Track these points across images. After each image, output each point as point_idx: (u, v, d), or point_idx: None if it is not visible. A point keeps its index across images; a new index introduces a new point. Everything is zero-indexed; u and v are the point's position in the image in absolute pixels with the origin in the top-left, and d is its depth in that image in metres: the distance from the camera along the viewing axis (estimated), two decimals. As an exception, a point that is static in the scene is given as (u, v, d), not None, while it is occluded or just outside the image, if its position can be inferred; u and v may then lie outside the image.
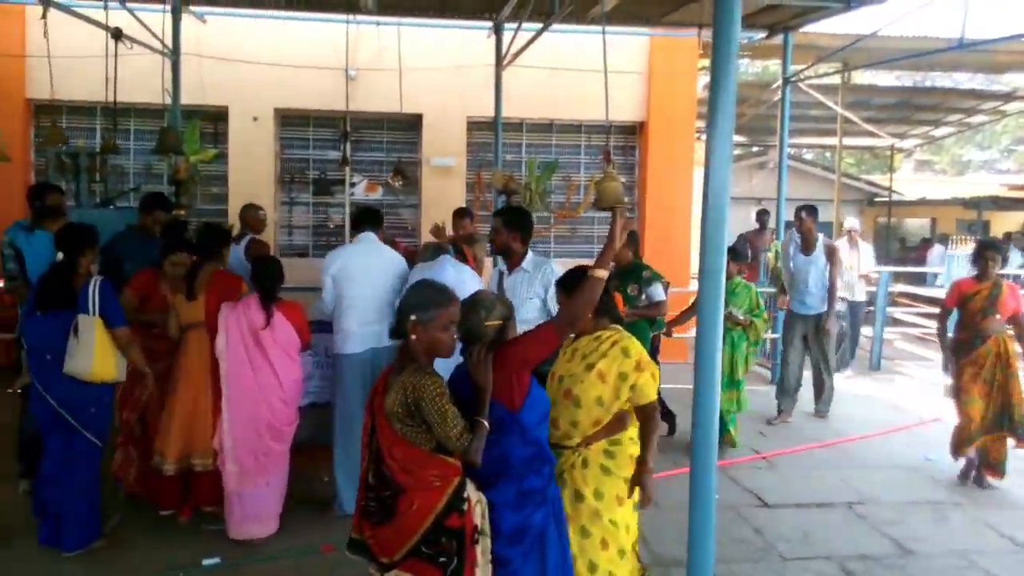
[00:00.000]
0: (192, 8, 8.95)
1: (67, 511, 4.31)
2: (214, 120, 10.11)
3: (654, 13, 9.10)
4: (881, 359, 10.29)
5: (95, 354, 4.20)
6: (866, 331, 10.58)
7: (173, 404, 4.75)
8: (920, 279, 14.05)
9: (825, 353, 7.65)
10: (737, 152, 20.39)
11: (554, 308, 4.14)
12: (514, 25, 8.79)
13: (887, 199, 20.36)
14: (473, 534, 2.71)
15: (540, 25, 8.38)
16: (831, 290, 7.50)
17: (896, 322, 11.82)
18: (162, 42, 8.18)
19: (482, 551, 2.74)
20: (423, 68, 9.80)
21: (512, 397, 2.80)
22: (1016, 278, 11.06)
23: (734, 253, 6.51)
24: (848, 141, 18.54)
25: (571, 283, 3.18)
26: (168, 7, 8.20)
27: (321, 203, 10.49)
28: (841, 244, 9.46)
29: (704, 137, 12.98)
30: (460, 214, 7.36)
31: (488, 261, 5.25)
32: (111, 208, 7.61)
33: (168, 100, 8.39)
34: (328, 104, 9.93)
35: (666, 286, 6.10)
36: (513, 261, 4.61)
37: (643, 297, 5.92)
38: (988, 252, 5.91)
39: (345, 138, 9.39)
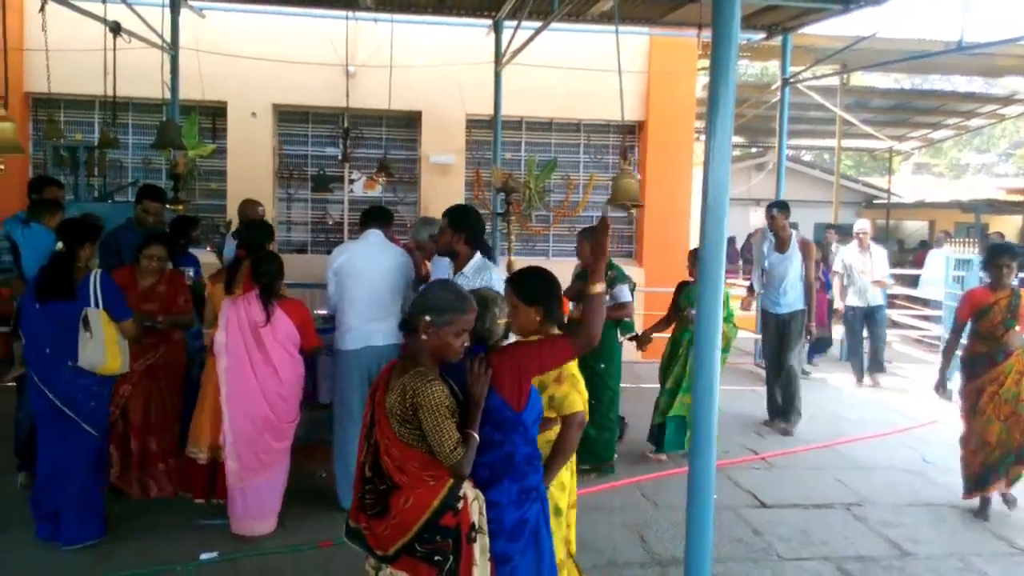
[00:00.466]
0: (191, 3, 8.92)
1: (67, 504, 4.29)
2: (213, 115, 10.09)
3: (654, 13, 9.09)
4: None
5: (106, 347, 4.21)
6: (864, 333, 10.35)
7: (205, 395, 4.80)
8: (918, 282, 14.06)
9: (789, 358, 7.24)
10: (736, 153, 20.40)
11: None
12: (513, 23, 8.78)
13: (885, 201, 20.40)
14: (469, 532, 2.68)
15: (539, 23, 8.37)
16: (808, 289, 7.25)
17: (894, 324, 11.82)
18: (161, 37, 8.16)
19: (480, 549, 2.71)
20: (422, 65, 9.79)
21: (519, 399, 2.79)
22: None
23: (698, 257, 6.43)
24: (847, 143, 18.59)
25: (526, 287, 3.10)
26: (166, 1, 8.19)
27: (319, 199, 10.47)
28: (851, 248, 9.42)
29: (703, 137, 13.00)
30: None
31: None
32: (109, 202, 7.59)
33: (167, 95, 8.37)
34: (327, 100, 9.91)
35: (632, 287, 6.01)
36: (458, 264, 4.31)
37: (607, 298, 5.67)
38: (1002, 259, 5.33)
39: (345, 135, 9.37)
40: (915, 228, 22.17)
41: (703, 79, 12.24)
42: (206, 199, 10.09)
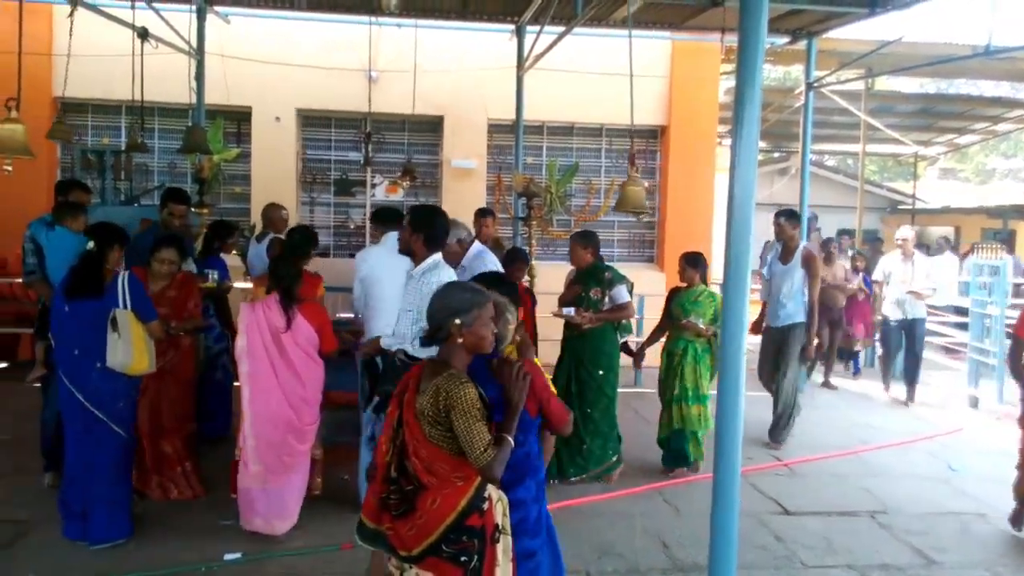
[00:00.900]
0: (216, 8, 9.01)
1: (95, 503, 4.34)
2: (237, 120, 10.19)
3: (677, 17, 9.07)
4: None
5: (134, 347, 4.26)
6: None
7: None
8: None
9: (787, 374, 6.83)
10: (759, 158, 20.26)
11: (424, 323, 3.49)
12: (536, 28, 8.79)
13: (910, 207, 20.18)
14: (494, 533, 2.70)
15: (562, 28, 8.37)
16: (811, 303, 6.76)
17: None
18: (187, 42, 8.25)
19: (503, 550, 2.73)
20: (444, 70, 9.83)
21: (535, 407, 2.91)
22: None
23: (696, 261, 6.04)
24: (871, 148, 18.42)
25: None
26: (193, 7, 8.28)
27: (342, 203, 10.53)
28: (893, 257, 8.94)
29: (725, 142, 12.97)
30: (481, 214, 7.34)
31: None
32: (136, 206, 7.68)
33: (192, 99, 8.46)
34: (350, 105, 9.97)
35: (630, 288, 5.85)
36: (416, 264, 4.21)
37: (606, 300, 5.71)
38: None
39: (367, 140, 9.42)
40: (941, 234, 21.91)
41: (726, 84, 12.20)
42: (230, 203, 10.18)
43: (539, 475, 3.03)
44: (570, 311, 5.66)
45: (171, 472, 5.07)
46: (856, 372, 10.37)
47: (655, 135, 10.99)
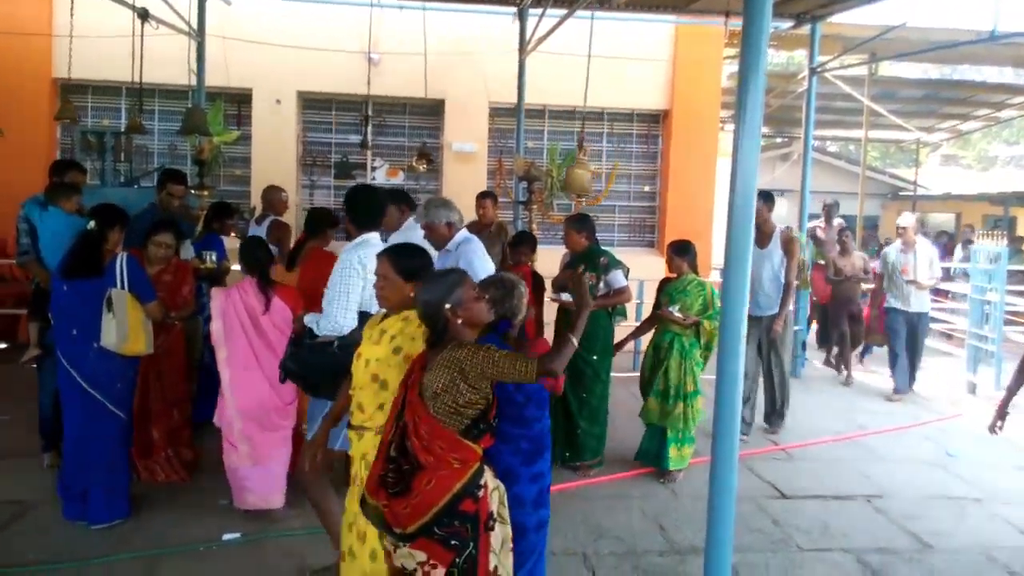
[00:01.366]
0: (217, -11, 8.97)
1: (94, 484, 4.36)
2: (238, 102, 10.16)
3: (680, 0, 9.01)
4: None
5: (129, 327, 4.27)
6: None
7: None
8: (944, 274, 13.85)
9: (780, 360, 6.68)
10: (761, 143, 20.20)
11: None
12: (538, 11, 8.74)
13: (912, 193, 20.14)
14: (488, 520, 2.72)
15: (564, 11, 8.33)
16: (786, 288, 6.52)
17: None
18: (187, 23, 8.22)
19: (501, 539, 2.77)
20: (446, 53, 9.78)
21: (554, 382, 3.04)
22: None
23: (685, 250, 5.72)
24: (873, 134, 18.34)
25: (408, 264, 3.09)
26: (194, -12, 8.25)
27: (342, 186, 10.50)
28: (894, 247, 8.53)
29: (727, 127, 12.90)
30: (482, 196, 7.32)
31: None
32: (135, 187, 7.67)
33: (193, 81, 8.43)
34: (351, 88, 9.93)
35: (626, 272, 5.71)
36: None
37: (601, 285, 5.58)
38: None
39: (366, 122, 9.40)
40: (942, 221, 21.87)
41: (729, 68, 12.14)
42: (230, 185, 10.17)
43: (549, 448, 3.20)
44: (568, 296, 5.59)
45: (157, 456, 5.06)
46: (863, 358, 9.91)
47: (657, 119, 10.95)
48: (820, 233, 10.32)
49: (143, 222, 5.44)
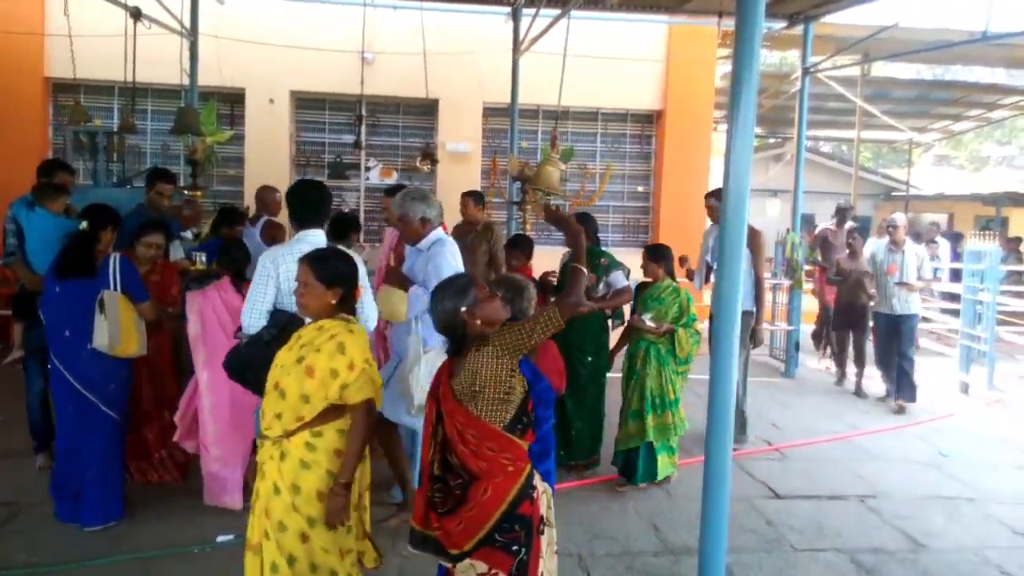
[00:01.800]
0: (210, -11, 8.95)
1: (88, 485, 4.34)
2: (231, 102, 10.14)
3: (672, 1, 9.03)
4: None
5: (121, 329, 4.25)
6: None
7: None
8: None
9: (737, 363, 6.46)
10: (754, 143, 20.25)
11: None
12: (532, 11, 8.74)
13: (904, 193, 20.21)
14: (539, 524, 2.74)
15: (558, 11, 8.33)
16: (757, 285, 6.23)
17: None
18: (180, 22, 8.19)
19: (548, 542, 2.77)
20: (440, 53, 9.77)
21: (560, 383, 3.06)
22: None
23: (660, 254, 5.54)
24: (866, 134, 18.41)
25: (329, 269, 2.97)
26: (186, -13, 8.22)
27: (336, 187, 10.49)
28: (879, 245, 8.21)
29: (721, 127, 12.90)
30: (465, 195, 7.09)
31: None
32: (128, 187, 7.64)
33: (185, 81, 8.41)
34: (344, 87, 9.93)
35: (627, 273, 5.59)
36: None
37: (601, 287, 5.50)
38: None
39: (360, 122, 9.38)
40: (934, 221, 21.97)
41: (722, 68, 12.16)
42: (224, 185, 10.16)
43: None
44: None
45: (150, 457, 5.03)
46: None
47: (650, 119, 10.98)
48: (831, 236, 9.85)
49: (131, 223, 5.42)
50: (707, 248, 6.53)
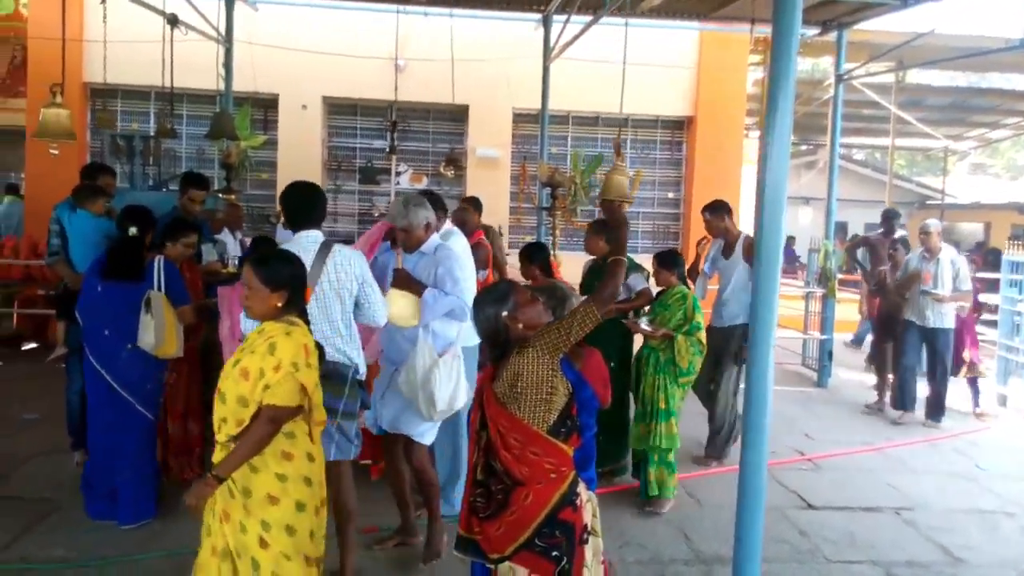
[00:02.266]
0: (245, -4, 9.07)
1: (122, 484, 4.40)
2: (264, 107, 10.25)
3: (705, 7, 8.99)
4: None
5: (166, 330, 4.31)
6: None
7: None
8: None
9: (727, 376, 6.01)
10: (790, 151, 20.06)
11: None
12: (563, 17, 8.75)
13: (940, 202, 19.93)
14: (583, 533, 2.71)
15: (589, 17, 8.33)
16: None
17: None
18: (216, 29, 8.30)
19: (593, 551, 2.75)
20: (471, 59, 9.82)
21: (604, 392, 2.98)
22: None
23: (673, 261, 5.34)
24: (901, 142, 18.17)
25: (273, 271, 2.90)
26: (222, -6, 8.34)
27: (366, 191, 10.57)
28: (916, 254, 7.71)
29: (752, 134, 12.80)
30: (464, 202, 6.79)
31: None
32: (163, 191, 7.75)
33: (220, 86, 8.52)
34: (376, 93, 10.01)
35: (646, 276, 5.50)
36: None
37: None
38: None
39: (393, 128, 9.45)
40: (970, 230, 21.63)
41: (754, 75, 12.09)
42: (257, 189, 10.27)
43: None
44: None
45: (191, 455, 5.11)
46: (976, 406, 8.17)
47: (681, 126, 10.92)
48: (879, 246, 9.25)
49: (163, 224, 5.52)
50: (709, 258, 6.32)
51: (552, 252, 6.92)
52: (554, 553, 2.62)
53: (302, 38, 9.74)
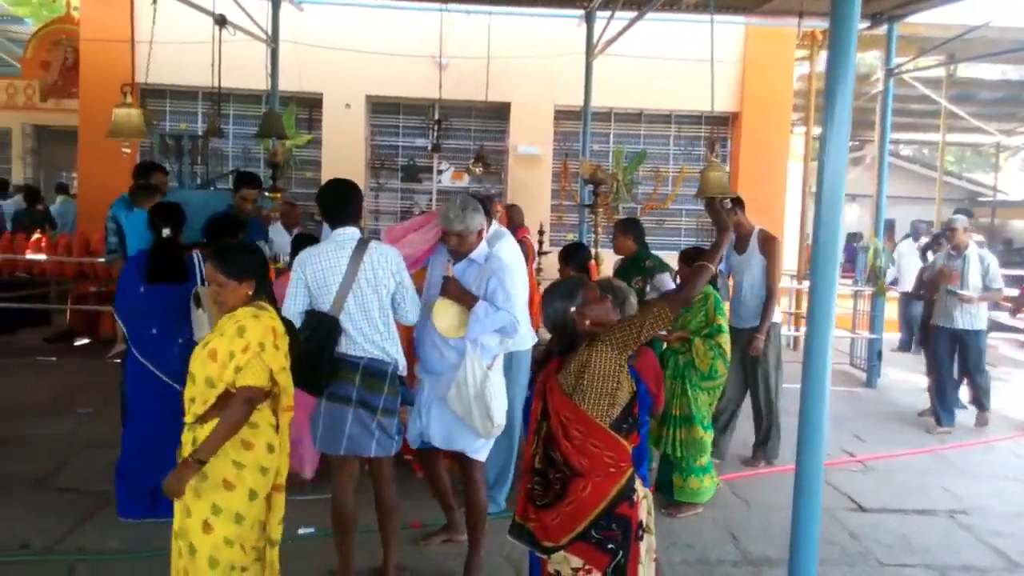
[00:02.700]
0: (290, -4, 9.17)
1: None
2: (309, 106, 10.36)
3: (751, 2, 8.86)
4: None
5: (215, 322, 4.37)
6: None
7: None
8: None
9: (767, 379, 5.79)
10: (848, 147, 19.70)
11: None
12: (606, 13, 8.69)
13: (991, 199, 19.43)
14: (638, 529, 2.73)
15: (633, 13, 8.26)
16: (768, 296, 5.69)
17: (999, 327, 11.23)
18: (263, 29, 8.40)
19: (646, 549, 2.77)
20: (513, 56, 9.81)
21: (658, 391, 3.09)
22: None
23: (693, 258, 4.84)
24: (951, 137, 17.75)
25: (234, 263, 2.99)
26: (268, -5, 8.44)
27: (408, 189, 10.62)
28: (942, 252, 7.41)
29: (797, 129, 12.60)
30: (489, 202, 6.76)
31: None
32: (212, 189, 7.87)
33: (267, 86, 8.62)
34: (418, 92, 10.05)
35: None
36: None
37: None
38: None
39: (437, 126, 9.49)
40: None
41: (800, 70, 11.90)
42: (301, 188, 10.38)
43: None
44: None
45: None
46: None
47: (726, 122, 10.80)
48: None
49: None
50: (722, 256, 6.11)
51: (594, 250, 6.92)
52: (610, 546, 2.63)
53: (346, 38, 9.81)
